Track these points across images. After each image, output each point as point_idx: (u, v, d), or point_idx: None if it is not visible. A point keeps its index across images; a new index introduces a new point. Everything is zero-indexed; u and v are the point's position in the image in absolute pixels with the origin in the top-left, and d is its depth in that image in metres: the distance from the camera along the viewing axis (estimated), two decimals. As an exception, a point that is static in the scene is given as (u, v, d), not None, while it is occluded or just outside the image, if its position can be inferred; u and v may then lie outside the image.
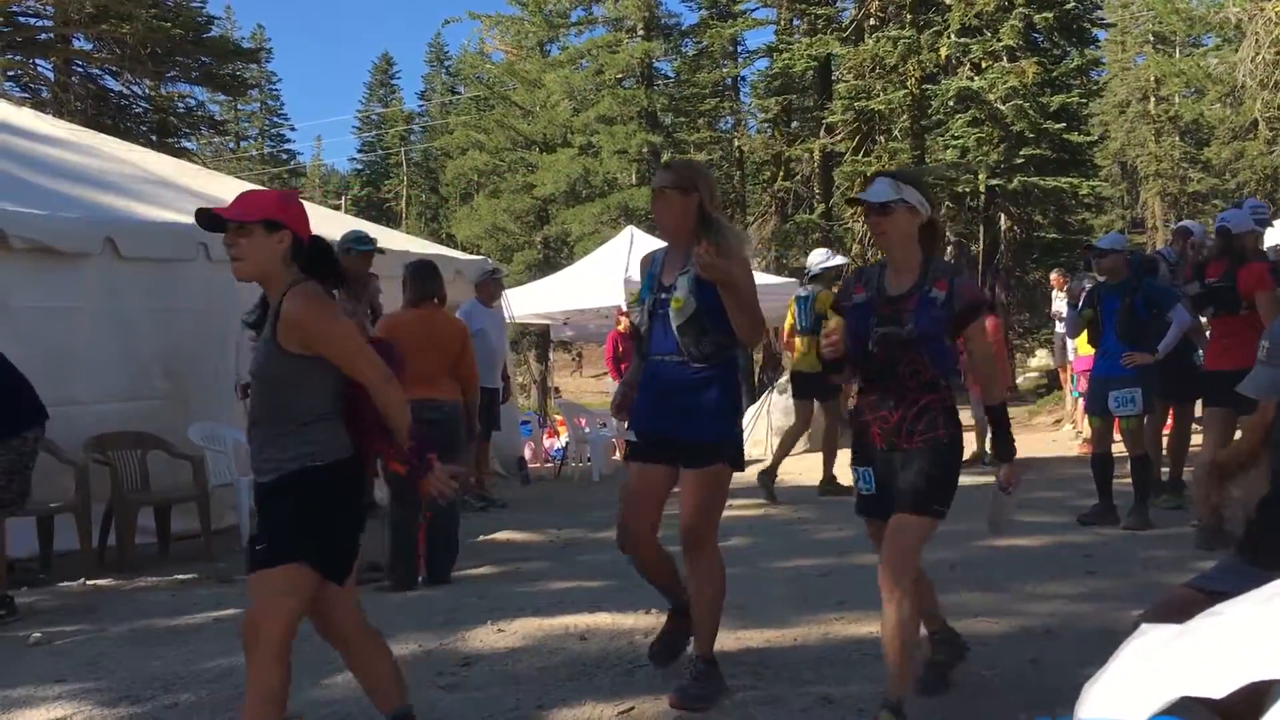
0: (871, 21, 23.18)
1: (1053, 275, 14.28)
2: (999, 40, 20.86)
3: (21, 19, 21.15)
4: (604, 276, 14.53)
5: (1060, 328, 12.48)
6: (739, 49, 27.88)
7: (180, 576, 6.40)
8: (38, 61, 21.80)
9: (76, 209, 7.51)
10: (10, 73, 19.77)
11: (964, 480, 3.67)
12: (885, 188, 3.42)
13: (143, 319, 7.58)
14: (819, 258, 9.76)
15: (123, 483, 6.86)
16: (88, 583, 6.23)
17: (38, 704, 3.94)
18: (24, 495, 5.51)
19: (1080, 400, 10.51)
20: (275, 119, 57.14)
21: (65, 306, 7.12)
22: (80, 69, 22.16)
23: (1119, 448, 7.03)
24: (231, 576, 6.39)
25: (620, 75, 27.79)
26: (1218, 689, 1.18)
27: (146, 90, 23.10)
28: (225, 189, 9.98)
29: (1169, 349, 6.79)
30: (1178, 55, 41.52)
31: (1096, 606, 4.82)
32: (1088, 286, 7.25)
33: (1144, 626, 1.39)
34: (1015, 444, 3.74)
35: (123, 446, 7.05)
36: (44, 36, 21.37)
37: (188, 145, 25.04)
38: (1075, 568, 5.73)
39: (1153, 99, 42.68)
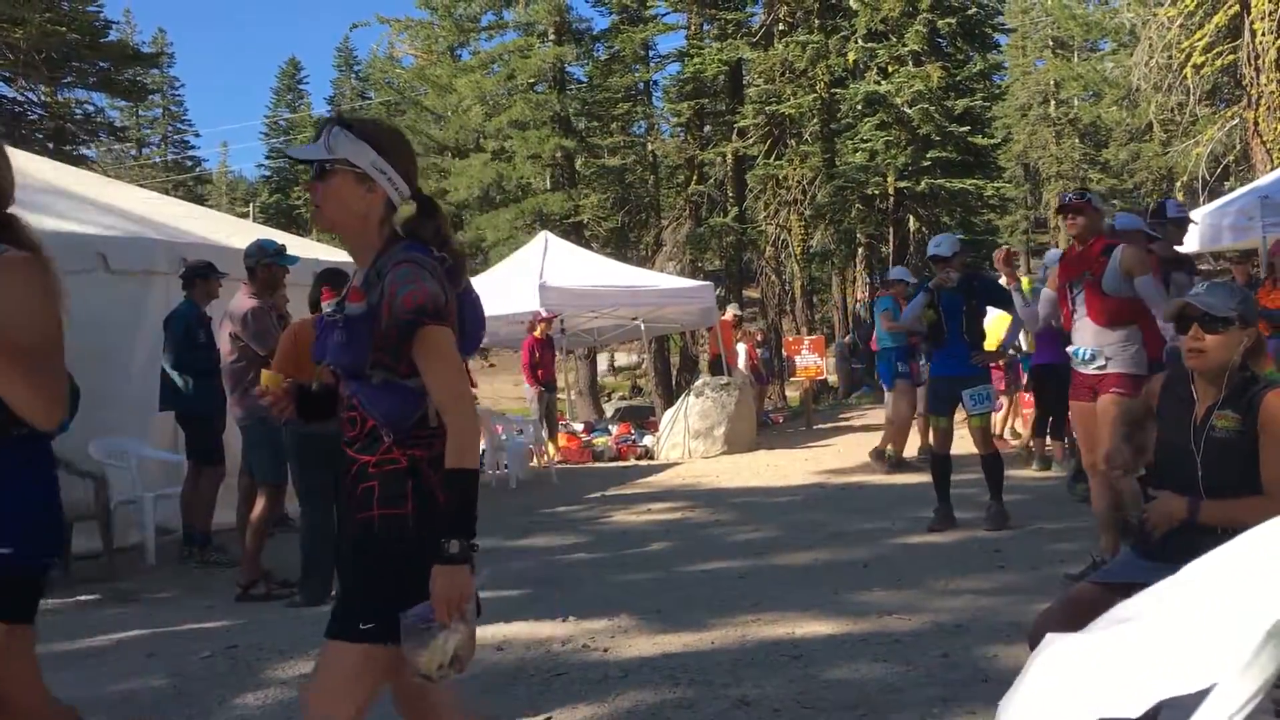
0: (780, 26, 23.46)
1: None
2: (904, 45, 21.27)
3: (-94, 22, 20.37)
4: (519, 282, 14.45)
5: None
6: (650, 53, 27.94)
7: (82, 597, 6.19)
8: (-75, 67, 21.03)
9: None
10: (-105, 78, 19.03)
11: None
12: (319, 148, 2.38)
13: (39, 332, 7.32)
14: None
15: (19, 502, 6.60)
16: None
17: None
18: None
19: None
20: (179, 125, 55.89)
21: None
22: (-29, 74, 21.43)
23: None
24: (137, 595, 6.21)
25: (532, 80, 27.65)
26: (1133, 709, 1.19)
27: (42, 96, 22.41)
28: (125, 197, 9.72)
29: (1011, 344, 7.40)
30: (1076, 60, 42.80)
31: (1006, 600, 4.92)
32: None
33: (1050, 637, 1.40)
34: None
35: (19, 465, 6.79)
36: (-69, 41, 20.61)
37: (87, 153, 24.39)
38: (985, 563, 5.84)
39: (1053, 102, 43.92)
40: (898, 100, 21.12)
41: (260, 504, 6.11)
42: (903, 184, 22.02)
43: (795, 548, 6.65)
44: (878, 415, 17.32)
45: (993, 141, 24.79)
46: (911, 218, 23.62)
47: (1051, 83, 43.52)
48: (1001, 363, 9.74)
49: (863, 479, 9.97)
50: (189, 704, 3.97)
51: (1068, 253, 5.60)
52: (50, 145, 21.00)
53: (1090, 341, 5.29)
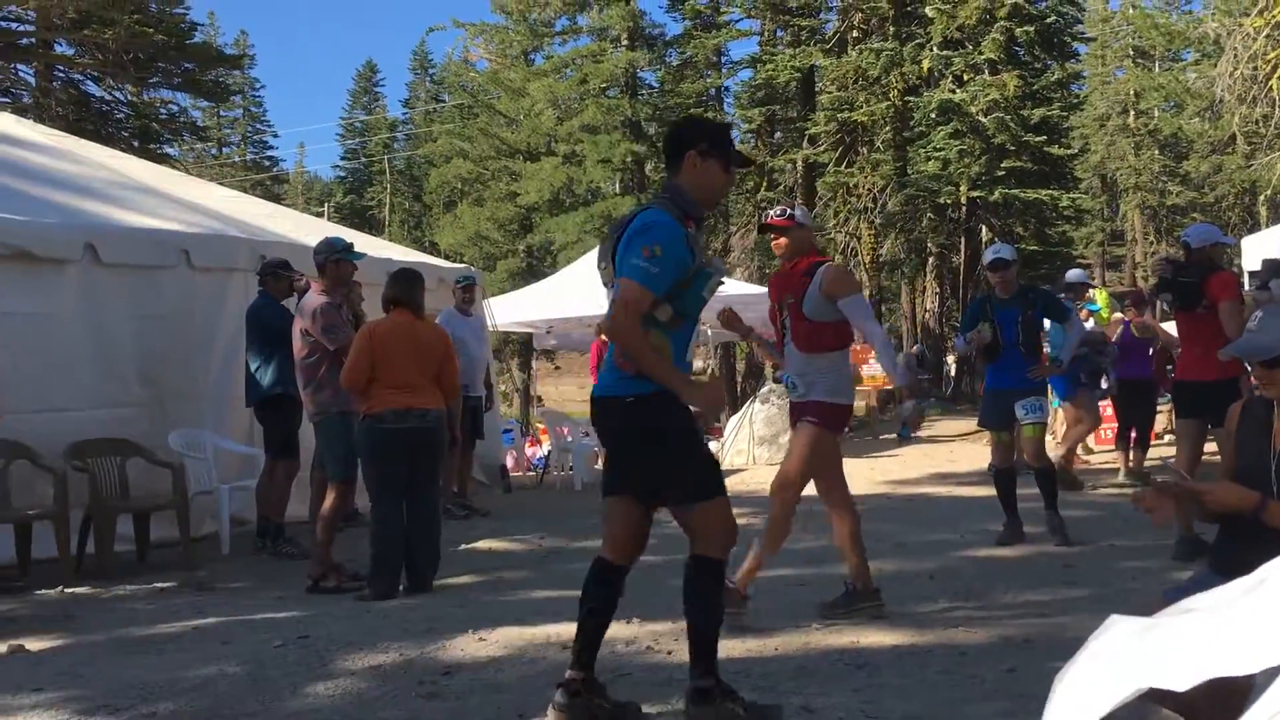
0: (854, 33, 23.32)
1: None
2: (981, 53, 21.02)
3: (2, 24, 21.05)
4: (587, 285, 14.53)
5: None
6: (723, 59, 28.01)
7: (159, 584, 6.36)
8: (19, 67, 21.70)
9: (57, 214, 7.48)
10: (-9, 77, 19.67)
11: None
12: None
13: (122, 325, 7.55)
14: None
15: (102, 490, 6.82)
16: (66, 590, 6.19)
17: (14, 713, 3.91)
18: None
19: (1059, 409, 10.63)
20: (258, 125, 57.00)
21: (44, 312, 7.08)
22: (62, 74, 22.09)
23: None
24: (211, 584, 6.36)
25: (604, 85, 27.84)
26: (1181, 682, 1.20)
27: (128, 96, 23.04)
28: (207, 195, 9.97)
29: (1069, 357, 7.16)
30: (1157, 70, 41.94)
31: (1075, 617, 4.84)
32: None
33: (1113, 618, 1.42)
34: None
35: (102, 453, 7.01)
36: (25, 41, 21.27)
37: (169, 151, 24.97)
38: (1055, 578, 5.76)
39: (1132, 112, 43.05)
40: (972, 109, 20.88)
41: (331, 498, 6.23)
42: (976, 194, 21.76)
43: (860, 557, 6.60)
44: (945, 427, 17.15)
45: (1069, 152, 24.41)
46: (984, 228, 23.32)
47: (1131, 93, 42.68)
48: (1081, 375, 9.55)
49: (929, 490, 9.88)
50: (263, 692, 4.06)
51: (777, 273, 5.26)
52: (135, 143, 21.55)
53: (795, 369, 4.98)
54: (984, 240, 23.63)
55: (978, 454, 10.60)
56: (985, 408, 7.13)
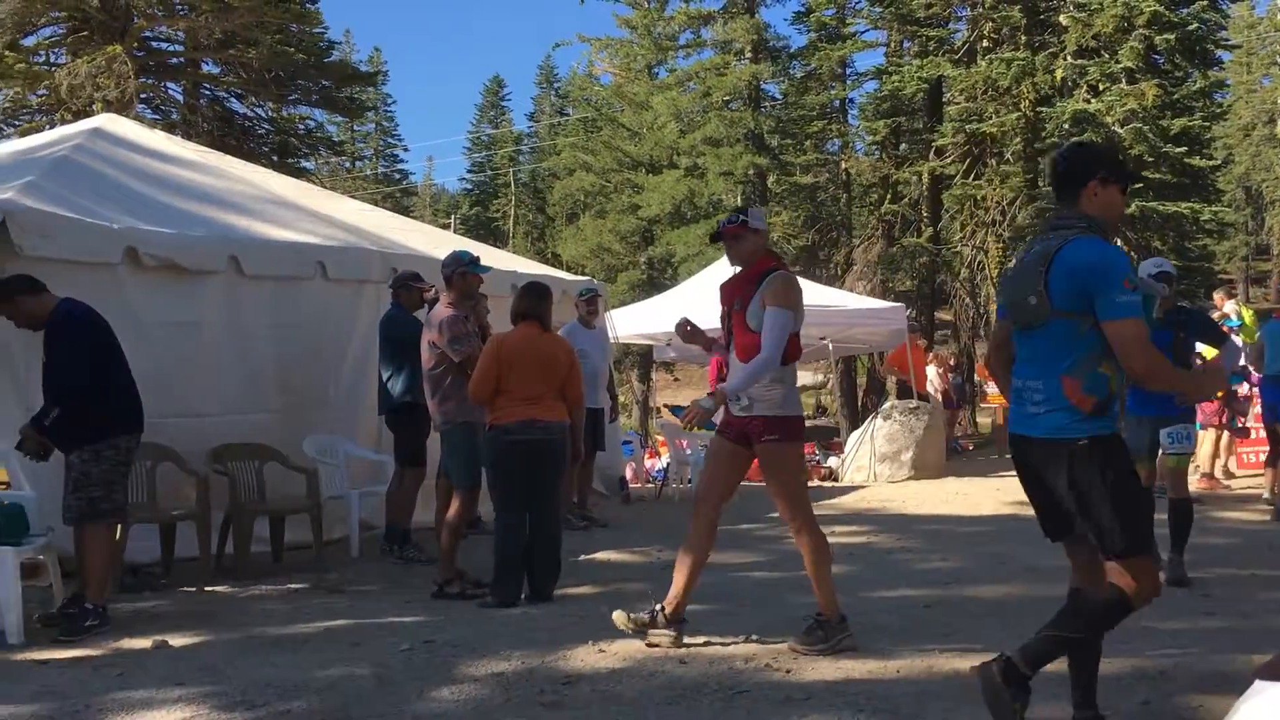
0: (984, 43, 22.84)
1: (1215, 295, 13.41)
2: (1118, 62, 20.36)
3: (155, 44, 22.15)
4: (708, 298, 14.52)
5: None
6: (848, 71, 27.72)
7: (292, 585, 6.58)
8: (169, 85, 22.81)
9: (202, 227, 7.81)
10: (143, 96, 20.67)
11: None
12: None
13: (262, 334, 7.85)
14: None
15: (240, 493, 7.10)
16: (205, 589, 6.45)
17: (158, 706, 4.10)
18: (123, 504, 5.66)
19: (1201, 432, 10.20)
20: (389, 140, 58.62)
21: (190, 321, 7.40)
22: (208, 92, 23.13)
23: None
24: (341, 587, 6.56)
25: (727, 97, 27.82)
26: None
27: (269, 112, 23.97)
28: (342, 209, 10.30)
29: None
30: (1307, 76, 40.03)
31: (1212, 648, 4.66)
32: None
33: (1258, 684, 1.35)
34: None
35: (241, 458, 7.30)
36: (175, 61, 22.34)
37: (306, 166, 25.86)
38: (1192, 608, 5.54)
39: (1279, 122, 41.16)
40: (1108, 119, 20.24)
41: (455, 506, 6.36)
42: (1111, 207, 21.05)
43: (986, 580, 6.46)
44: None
45: (1212, 163, 23.43)
46: (1120, 242, 22.56)
47: (1278, 102, 40.83)
48: (1219, 395, 9.14)
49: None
50: (390, 694, 4.18)
51: (729, 278, 4.97)
52: (275, 158, 22.40)
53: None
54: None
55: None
56: (1130, 434, 6.29)
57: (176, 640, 5.17)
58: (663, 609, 4.91)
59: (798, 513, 4.82)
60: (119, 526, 5.74)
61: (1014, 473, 3.73)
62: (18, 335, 6.37)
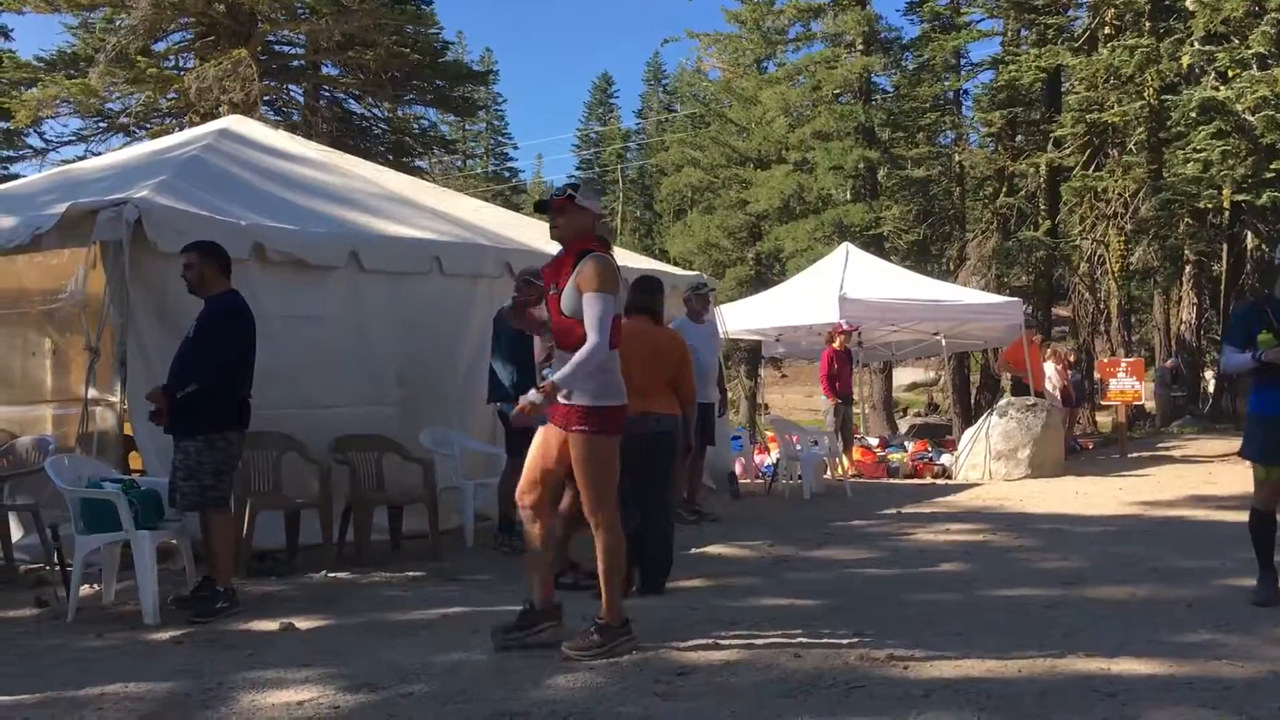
0: (1106, 30, 22.15)
1: None
2: (1248, 48, 19.52)
3: (278, 48, 22.84)
4: (818, 293, 14.43)
5: None
6: (962, 62, 27.15)
7: (411, 573, 6.73)
8: (290, 87, 23.52)
9: (324, 224, 8.04)
10: (266, 98, 21.34)
11: None
12: None
13: (381, 328, 8.04)
14: None
15: (361, 482, 7.29)
16: (328, 575, 6.64)
17: (287, 685, 4.24)
18: (230, 494, 5.86)
19: None
20: (500, 138, 59.57)
21: (313, 315, 7.63)
22: (327, 93, 23.75)
23: None
24: (456, 575, 6.69)
25: (838, 91, 27.51)
26: None
27: (386, 112, 24.51)
28: (456, 206, 10.49)
29: None
30: None
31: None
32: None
33: None
34: None
35: (361, 449, 7.48)
36: (296, 64, 23.00)
37: (420, 164, 26.36)
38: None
39: None
40: (1238, 107, 19.42)
41: (568, 497, 6.41)
42: (1240, 197, 20.22)
43: (1109, 580, 6.28)
44: (1200, 446, 16.03)
45: (1350, 151, 22.32)
46: (1250, 234, 21.68)
47: None
48: None
49: (1185, 513, 9.28)
50: (507, 680, 4.25)
51: (551, 259, 4.74)
52: (390, 157, 22.89)
53: (556, 367, 4.53)
54: (1249, 247, 21.98)
55: (1239, 476, 9.82)
56: (1252, 436, 5.67)
57: (302, 624, 5.34)
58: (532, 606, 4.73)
59: (600, 509, 4.61)
60: (244, 513, 5.95)
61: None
62: (151, 323, 6.66)
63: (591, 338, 4.38)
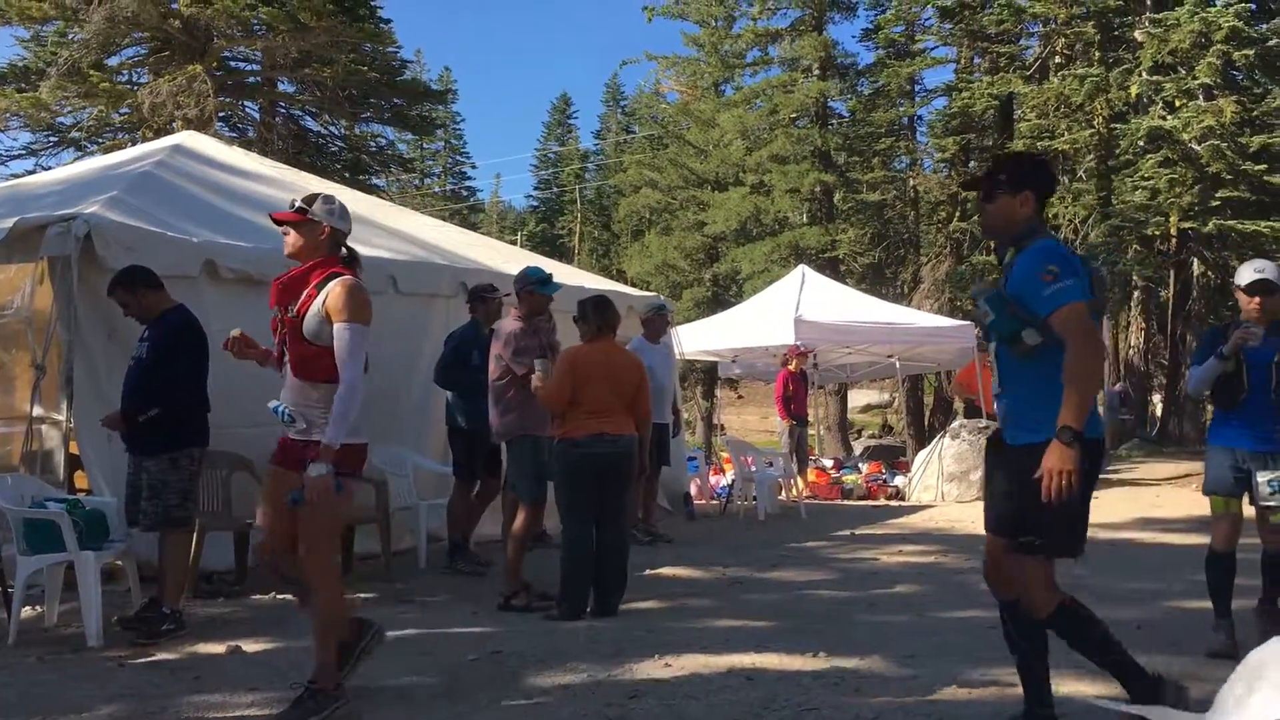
0: (1057, 59, 22.57)
1: None
2: (1195, 78, 19.98)
3: (233, 64, 22.69)
4: (774, 315, 14.52)
5: None
6: (916, 88, 27.54)
7: (362, 595, 6.66)
8: (246, 103, 23.35)
9: (278, 241, 7.89)
10: (221, 114, 21.17)
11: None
12: None
13: (335, 347, 7.95)
14: None
15: (312, 502, 7.18)
16: (277, 596, 6.55)
17: (233, 709, 4.18)
18: (193, 512, 5.82)
19: None
20: (458, 157, 59.38)
21: (265, 332, 7.52)
22: (283, 110, 23.62)
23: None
24: (410, 597, 6.63)
25: (794, 115, 27.78)
26: None
27: (342, 130, 24.41)
28: (411, 224, 10.44)
29: None
30: (1394, 92, 38.92)
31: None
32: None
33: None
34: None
35: (312, 468, 7.38)
36: (252, 80, 22.85)
37: (377, 182, 26.26)
38: (1270, 633, 5.37)
39: (1365, 138, 40.04)
40: (1184, 136, 19.85)
41: (521, 518, 6.40)
42: (1187, 225, 20.63)
43: (1057, 603, 6.33)
44: (1148, 469, 16.28)
45: (1292, 181, 22.85)
46: (1196, 261, 22.10)
47: (1364, 117, 39.76)
48: None
49: (1134, 535, 9.40)
50: (458, 702, 4.22)
51: (281, 275, 4.27)
52: (347, 174, 22.81)
53: (290, 397, 4.13)
54: (1195, 273, 22.39)
55: (1187, 499, 9.98)
56: (1214, 469, 5.30)
57: (249, 645, 5.27)
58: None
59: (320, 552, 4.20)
60: (197, 534, 5.88)
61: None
62: (99, 340, 6.56)
63: (347, 374, 4.04)
